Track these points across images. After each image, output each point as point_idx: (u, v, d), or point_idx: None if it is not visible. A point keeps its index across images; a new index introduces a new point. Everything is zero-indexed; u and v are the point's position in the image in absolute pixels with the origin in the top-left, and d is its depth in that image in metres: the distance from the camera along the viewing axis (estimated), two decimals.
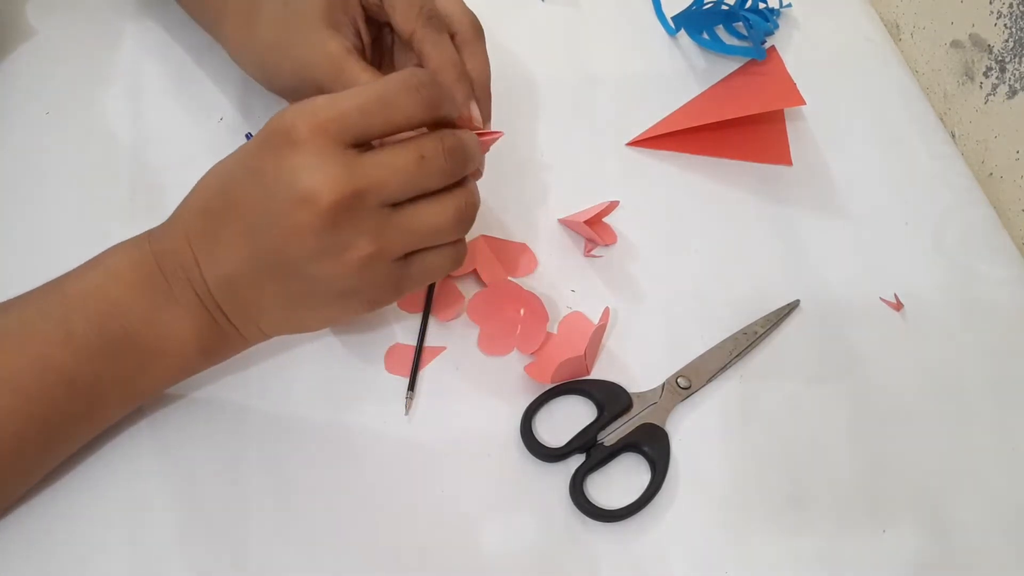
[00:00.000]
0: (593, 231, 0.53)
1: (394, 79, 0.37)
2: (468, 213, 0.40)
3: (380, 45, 0.50)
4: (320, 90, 0.44)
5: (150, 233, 0.41)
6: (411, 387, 0.47)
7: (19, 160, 0.53)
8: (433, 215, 0.39)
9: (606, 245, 0.54)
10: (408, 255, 0.40)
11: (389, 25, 0.47)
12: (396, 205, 0.38)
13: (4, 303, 0.40)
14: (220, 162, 0.40)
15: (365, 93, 0.37)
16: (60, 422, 0.39)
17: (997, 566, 0.46)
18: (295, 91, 0.47)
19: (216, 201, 0.39)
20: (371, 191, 0.36)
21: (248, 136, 0.53)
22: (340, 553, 0.42)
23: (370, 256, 0.37)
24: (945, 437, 0.50)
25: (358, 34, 0.47)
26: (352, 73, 0.44)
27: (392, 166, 0.37)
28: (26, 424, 0.38)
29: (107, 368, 0.39)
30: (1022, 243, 0.60)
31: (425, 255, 0.40)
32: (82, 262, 0.41)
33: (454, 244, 0.41)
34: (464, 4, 0.47)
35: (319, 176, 0.35)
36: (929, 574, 0.45)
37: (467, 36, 0.46)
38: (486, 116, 0.47)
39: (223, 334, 0.41)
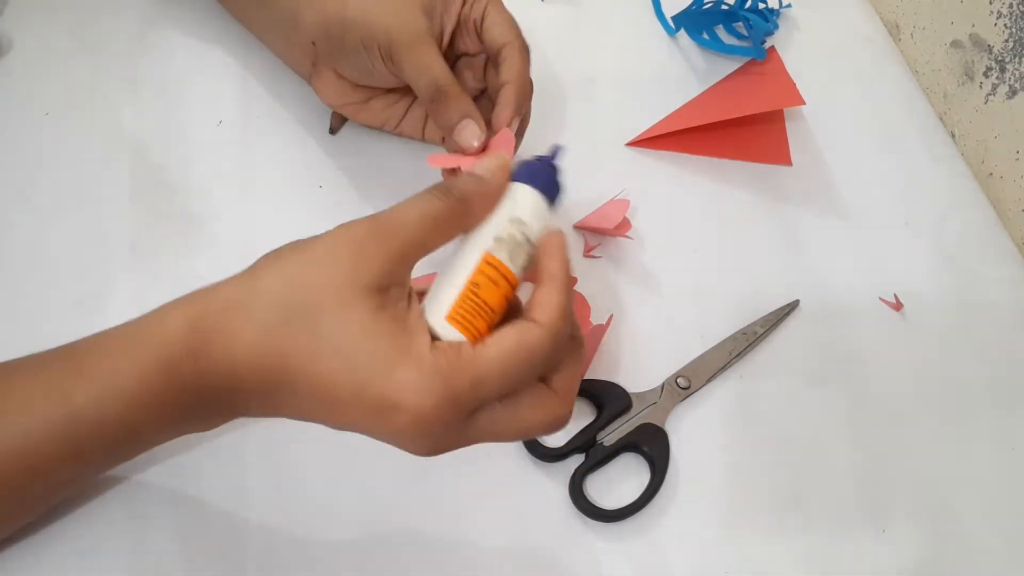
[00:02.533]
0: (616, 231, 0.54)
1: (527, 351, 0.33)
2: (558, 425, 0.36)
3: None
4: (385, 58, 0.45)
5: (193, 353, 0.34)
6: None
7: (18, 161, 0.53)
8: (522, 421, 0.35)
9: (625, 236, 0.54)
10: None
11: (463, 54, 0.49)
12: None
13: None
14: (278, 299, 0.34)
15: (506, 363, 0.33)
16: (43, 505, 0.39)
17: (997, 566, 0.46)
18: (352, 56, 0.46)
19: (295, 375, 0.33)
20: (478, 403, 0.34)
21: (554, 153, 0.39)
22: (340, 553, 0.42)
23: (450, 449, 0.35)
24: (945, 437, 0.50)
25: (442, 35, 0.47)
26: (427, 53, 0.44)
27: (504, 379, 0.33)
28: (7, 511, 0.37)
29: (106, 467, 0.39)
30: (1022, 243, 0.60)
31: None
32: (85, 333, 0.36)
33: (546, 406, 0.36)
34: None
35: (429, 393, 0.32)
36: (929, 574, 0.45)
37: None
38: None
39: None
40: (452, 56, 0.49)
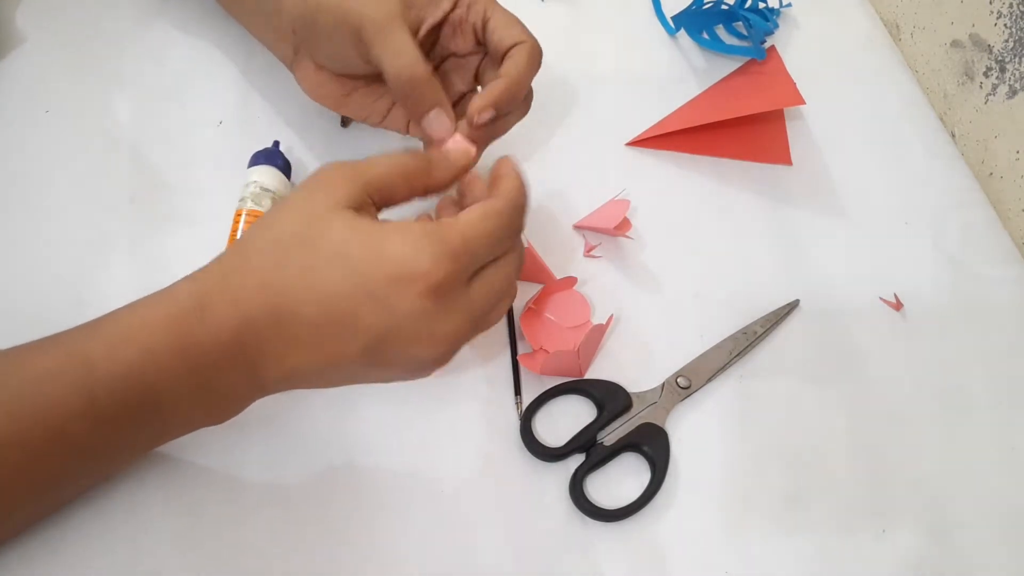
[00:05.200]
0: (616, 231, 0.53)
1: (504, 212, 0.38)
2: (522, 261, 0.41)
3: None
4: (356, 42, 0.43)
5: (201, 305, 0.36)
6: (517, 392, 0.48)
7: (18, 159, 0.53)
8: (502, 277, 0.39)
9: (625, 236, 0.54)
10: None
11: (451, 55, 0.48)
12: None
13: (20, 351, 0.37)
14: (267, 237, 0.37)
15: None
16: (66, 480, 0.39)
17: (997, 566, 0.46)
18: (325, 42, 0.45)
19: (301, 300, 0.36)
20: (473, 264, 0.37)
21: (276, 144, 0.53)
22: (340, 553, 0.42)
23: (466, 334, 0.38)
24: (945, 437, 0.50)
25: (417, 29, 0.45)
26: (400, 38, 0.42)
27: (485, 239, 0.37)
28: (31, 483, 0.37)
29: (124, 438, 0.38)
30: (1022, 243, 0.60)
31: (492, 300, 0.40)
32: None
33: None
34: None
35: (426, 253, 0.35)
36: (929, 574, 0.45)
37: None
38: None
39: (250, 401, 0.40)
40: (439, 55, 0.48)
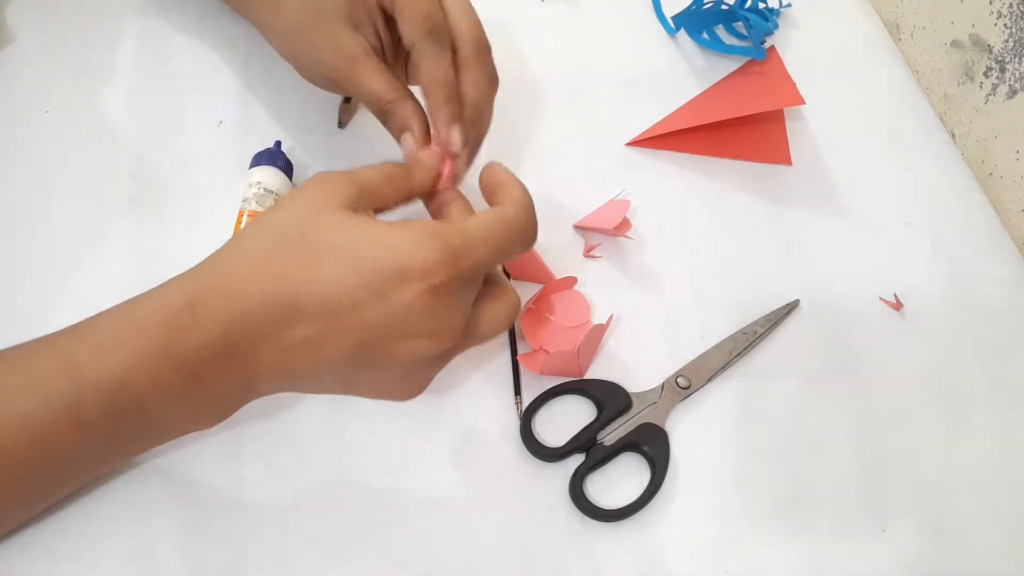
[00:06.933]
0: (616, 231, 0.53)
1: (510, 222, 0.38)
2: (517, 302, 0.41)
3: (400, 44, 0.48)
4: (334, 85, 0.45)
5: (192, 304, 0.36)
6: (517, 392, 0.48)
7: (18, 158, 0.53)
8: (503, 314, 0.39)
9: (625, 236, 0.54)
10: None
11: None
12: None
13: (7, 354, 0.36)
14: (267, 231, 0.37)
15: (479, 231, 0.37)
16: (52, 486, 0.39)
17: (997, 566, 0.46)
18: (317, 79, 0.47)
19: (301, 291, 0.35)
20: (474, 267, 0.36)
21: (278, 144, 0.53)
22: (340, 553, 0.42)
23: (458, 343, 0.38)
24: (945, 437, 0.50)
25: (377, 33, 0.46)
26: (363, 75, 0.44)
27: (490, 244, 0.37)
28: (15, 489, 0.37)
29: (112, 445, 0.38)
30: (1022, 243, 0.60)
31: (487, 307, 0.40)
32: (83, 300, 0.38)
33: (508, 295, 0.41)
34: (475, 18, 0.46)
35: (430, 249, 0.35)
36: (929, 574, 0.45)
37: (468, 54, 0.45)
38: (471, 141, 0.45)
39: (242, 403, 0.40)
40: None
